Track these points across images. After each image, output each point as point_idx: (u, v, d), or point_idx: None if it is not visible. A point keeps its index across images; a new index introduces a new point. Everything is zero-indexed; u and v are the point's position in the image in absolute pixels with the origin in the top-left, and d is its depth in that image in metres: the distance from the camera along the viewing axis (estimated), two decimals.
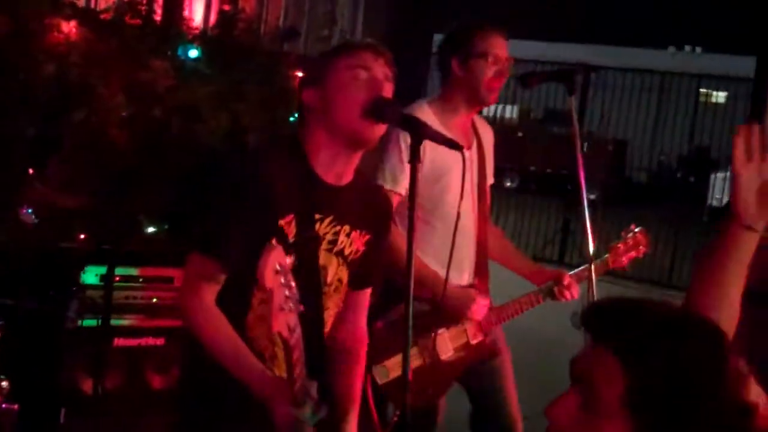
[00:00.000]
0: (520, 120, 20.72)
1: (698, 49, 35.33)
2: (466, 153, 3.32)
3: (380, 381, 3.25)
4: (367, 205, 2.52)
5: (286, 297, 1.85)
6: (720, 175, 16.39)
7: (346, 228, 2.45)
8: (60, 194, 3.56)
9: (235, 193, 2.33)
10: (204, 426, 2.50)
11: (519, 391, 3.60)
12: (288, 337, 1.91)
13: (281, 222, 2.32)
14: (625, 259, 3.71)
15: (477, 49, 3.31)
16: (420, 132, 2.33)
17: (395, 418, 3.22)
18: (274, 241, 1.85)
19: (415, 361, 3.27)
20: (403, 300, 3.15)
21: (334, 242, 2.44)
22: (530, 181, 20.32)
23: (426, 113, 3.28)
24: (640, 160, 19.23)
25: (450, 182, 3.31)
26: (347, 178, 2.47)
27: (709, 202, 17.64)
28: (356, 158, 2.47)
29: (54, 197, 3.48)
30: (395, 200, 3.19)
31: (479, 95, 3.36)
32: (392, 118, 2.43)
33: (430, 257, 3.27)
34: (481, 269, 3.52)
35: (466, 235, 3.40)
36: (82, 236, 3.74)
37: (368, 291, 2.65)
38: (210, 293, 2.32)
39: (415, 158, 2.28)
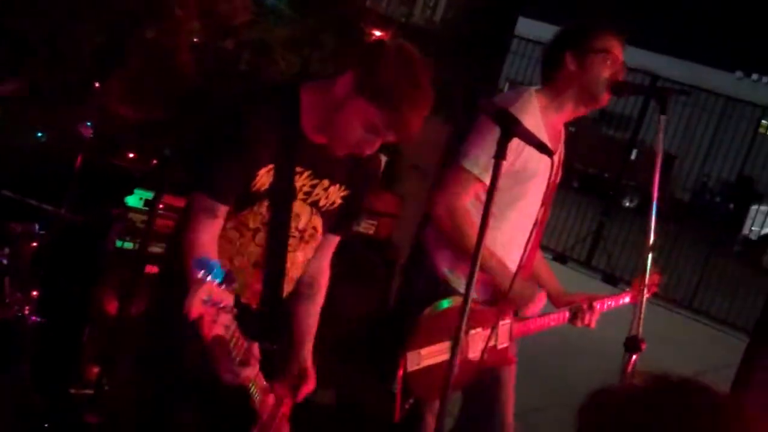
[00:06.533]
0: None
1: (765, 79, 34.56)
2: (554, 157, 3.23)
3: (410, 368, 3.17)
4: (352, 164, 2.60)
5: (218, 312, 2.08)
6: (763, 208, 16.14)
7: (325, 182, 2.58)
8: (118, 110, 3.50)
9: (229, 137, 2.41)
10: (162, 361, 2.64)
11: (531, 387, 3.51)
12: (227, 336, 2.15)
13: (261, 171, 2.43)
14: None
15: (595, 46, 3.15)
16: (511, 129, 2.26)
17: (407, 406, 3.19)
18: (200, 275, 2.00)
19: (443, 356, 3.18)
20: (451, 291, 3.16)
21: (309, 194, 2.56)
22: (572, 178, 20.10)
23: (533, 103, 3.16)
24: (686, 179, 18.96)
25: (533, 186, 3.20)
26: None
27: (744, 232, 17.43)
28: None
29: (113, 112, 3.41)
30: (477, 187, 3.10)
31: (592, 94, 3.19)
32: (486, 111, 2.37)
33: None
34: (527, 269, 3.44)
35: (522, 239, 3.32)
36: (132, 155, 3.68)
37: (337, 237, 2.78)
38: (211, 231, 2.42)
39: (501, 155, 2.20)
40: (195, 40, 3.99)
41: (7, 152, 3.32)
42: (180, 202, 3.60)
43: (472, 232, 3.09)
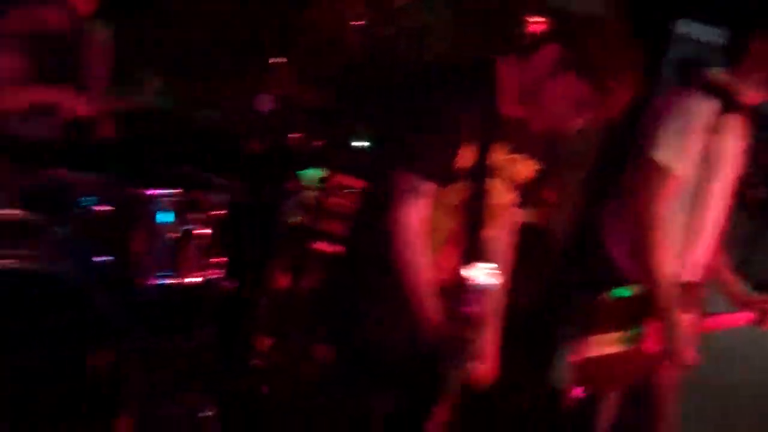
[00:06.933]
0: None
1: None
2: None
3: (585, 355, 3.06)
4: (545, 139, 2.58)
5: None
6: None
7: (520, 157, 2.56)
8: (292, 88, 3.58)
9: (433, 117, 2.41)
10: (333, 339, 2.71)
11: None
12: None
13: (463, 148, 2.41)
14: None
15: None
16: (732, 101, 2.15)
17: (578, 395, 3.10)
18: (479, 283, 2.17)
19: (620, 346, 3.08)
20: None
21: (505, 169, 2.54)
22: None
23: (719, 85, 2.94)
24: None
25: (720, 171, 3.02)
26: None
27: None
28: None
29: (287, 89, 3.50)
30: (667, 183, 2.94)
31: None
32: (698, 84, 2.27)
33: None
34: (712, 264, 3.29)
35: (710, 229, 3.18)
36: (302, 134, 3.76)
37: (521, 211, 2.73)
38: (421, 211, 2.42)
39: (718, 129, 2.09)
40: (361, 22, 4.05)
41: (186, 129, 3.43)
42: (352, 182, 3.66)
43: (661, 250, 2.93)
